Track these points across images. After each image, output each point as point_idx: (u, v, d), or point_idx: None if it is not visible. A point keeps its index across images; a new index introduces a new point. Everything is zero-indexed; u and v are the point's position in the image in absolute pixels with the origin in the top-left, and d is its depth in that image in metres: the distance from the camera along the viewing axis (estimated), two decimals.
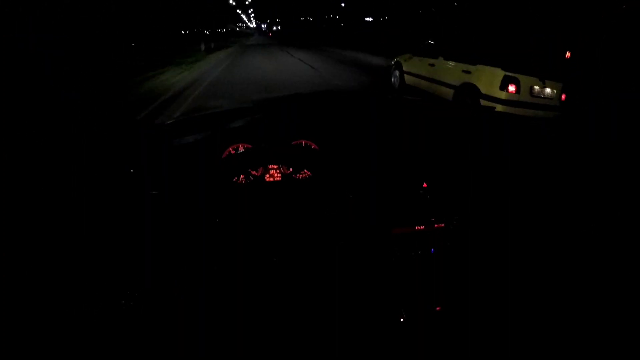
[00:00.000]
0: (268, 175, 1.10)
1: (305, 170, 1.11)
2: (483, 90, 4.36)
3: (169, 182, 0.97)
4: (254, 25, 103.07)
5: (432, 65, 5.23)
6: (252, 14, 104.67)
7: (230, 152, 1.13)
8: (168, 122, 1.27)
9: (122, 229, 0.88)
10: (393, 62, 6.95)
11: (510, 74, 4.10)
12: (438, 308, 0.94)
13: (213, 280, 0.85)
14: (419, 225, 1.03)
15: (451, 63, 4.80)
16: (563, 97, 4.23)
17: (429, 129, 1.24)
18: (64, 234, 0.81)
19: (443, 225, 1.05)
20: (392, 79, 6.92)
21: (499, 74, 4.16)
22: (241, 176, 1.07)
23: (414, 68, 5.91)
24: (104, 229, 0.86)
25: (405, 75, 6.25)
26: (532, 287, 1.01)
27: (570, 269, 1.03)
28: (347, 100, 1.52)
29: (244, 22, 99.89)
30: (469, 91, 4.47)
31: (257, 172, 1.08)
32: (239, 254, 0.87)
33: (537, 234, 1.06)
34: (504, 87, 4.14)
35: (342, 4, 37.40)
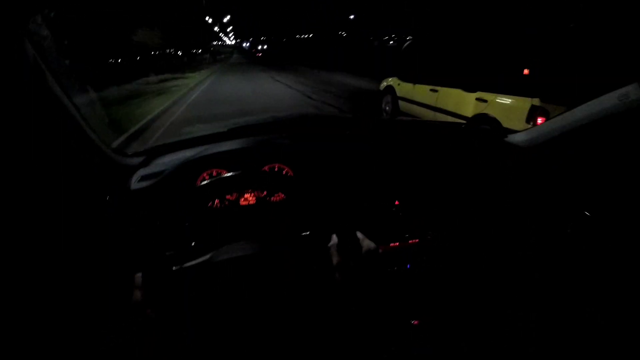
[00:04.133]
0: (243, 199, 1.13)
1: (279, 193, 1.14)
2: (504, 123, 3.61)
3: (145, 210, 1.02)
4: (232, 43, 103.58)
5: (435, 91, 4.49)
6: (232, 33, 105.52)
7: (204, 177, 1.17)
8: (142, 150, 1.31)
9: (95, 258, 0.91)
10: (383, 86, 6.25)
11: (538, 103, 3.38)
12: (415, 322, 0.96)
13: (189, 306, 0.80)
14: (394, 242, 1.09)
15: (460, 90, 4.06)
16: None
17: (400, 148, 1.30)
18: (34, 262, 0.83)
19: (418, 240, 1.11)
20: (383, 105, 6.20)
21: (525, 103, 3.43)
22: (216, 201, 1.10)
23: (411, 94, 5.18)
24: (78, 257, 0.89)
25: (399, 101, 5.52)
26: (509, 299, 1.08)
27: (547, 279, 1.09)
28: (320, 123, 1.59)
29: (221, 40, 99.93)
30: (485, 124, 3.72)
31: (231, 196, 1.12)
32: (216, 277, 0.83)
33: (513, 245, 1.12)
34: (531, 119, 3.41)
35: (351, 16, 30.83)
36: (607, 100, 1.04)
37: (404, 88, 5.42)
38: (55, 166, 0.92)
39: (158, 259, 0.77)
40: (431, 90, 4.57)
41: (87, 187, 1.02)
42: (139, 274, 0.74)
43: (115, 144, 5.36)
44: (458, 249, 1.12)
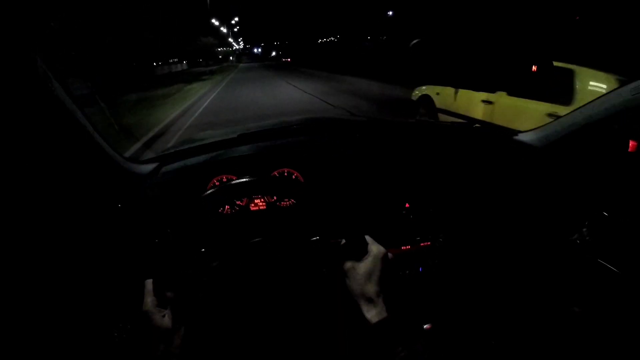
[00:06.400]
0: (253, 205, 1.19)
1: (289, 198, 1.20)
2: None
3: (155, 216, 1.07)
4: (241, 47, 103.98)
5: (489, 102, 3.91)
6: (240, 38, 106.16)
7: (214, 183, 1.21)
8: (153, 157, 1.34)
9: (108, 263, 0.97)
10: (416, 95, 5.69)
11: None
12: (428, 326, 0.98)
13: (199, 311, 0.87)
14: (405, 245, 1.11)
15: (523, 100, 3.48)
16: None
17: (409, 150, 1.32)
18: (49, 264, 0.87)
19: (429, 243, 1.13)
20: (418, 118, 5.64)
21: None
22: (226, 207, 1.18)
23: (454, 105, 4.60)
24: (90, 263, 0.95)
25: (439, 114, 4.96)
26: (519, 301, 1.11)
27: (558, 281, 1.11)
28: (330, 126, 1.61)
29: (229, 45, 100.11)
30: None
31: (241, 202, 1.19)
32: (226, 281, 0.91)
33: (523, 247, 1.15)
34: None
35: (390, 13, 24.99)
36: (620, 95, 1.05)
37: (445, 97, 4.85)
38: (65, 175, 0.94)
39: (170, 265, 0.78)
40: (484, 101, 3.99)
41: (98, 195, 1.05)
42: (149, 280, 0.76)
43: None
44: (470, 252, 1.16)
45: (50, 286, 0.85)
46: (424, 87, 5.51)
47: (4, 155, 0.79)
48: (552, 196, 1.18)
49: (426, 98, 5.32)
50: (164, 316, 0.71)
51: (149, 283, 0.75)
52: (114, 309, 0.88)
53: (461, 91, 4.50)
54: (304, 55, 41.95)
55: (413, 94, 5.83)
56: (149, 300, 0.72)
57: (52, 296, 0.85)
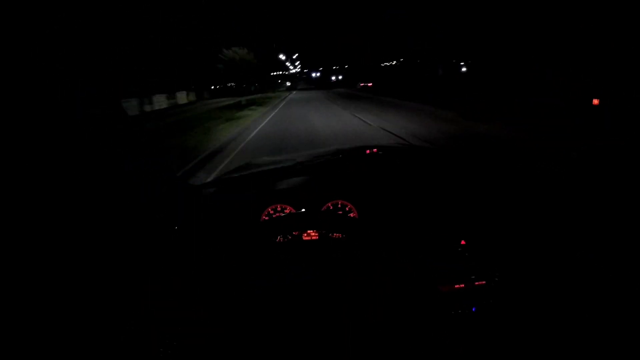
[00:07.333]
0: (305, 235, 1.22)
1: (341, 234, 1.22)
2: None
3: (210, 241, 1.11)
4: (297, 70, 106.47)
5: None
6: (298, 61, 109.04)
7: (269, 212, 1.24)
8: (210, 181, 1.41)
9: (163, 283, 0.94)
10: None
11: None
12: None
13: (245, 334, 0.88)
14: (459, 284, 1.07)
15: None
16: None
17: (466, 184, 1.30)
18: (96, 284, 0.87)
19: (484, 282, 1.09)
20: None
21: None
22: (279, 236, 1.21)
23: None
24: (145, 281, 0.93)
25: None
26: (579, 347, 1.02)
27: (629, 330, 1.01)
28: (385, 155, 1.62)
29: (287, 69, 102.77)
30: None
31: (295, 232, 1.23)
32: (277, 309, 0.92)
33: (584, 289, 1.07)
34: None
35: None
36: None
37: None
38: (131, 199, 0.97)
39: (221, 288, 0.83)
40: None
41: (156, 217, 1.06)
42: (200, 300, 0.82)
43: None
44: (528, 293, 1.10)
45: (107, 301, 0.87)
46: None
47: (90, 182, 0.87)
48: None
49: None
50: (211, 336, 0.76)
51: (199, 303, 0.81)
52: (162, 325, 0.89)
53: None
54: (375, 81, 40.83)
55: None
56: (198, 320, 0.79)
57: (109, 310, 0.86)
